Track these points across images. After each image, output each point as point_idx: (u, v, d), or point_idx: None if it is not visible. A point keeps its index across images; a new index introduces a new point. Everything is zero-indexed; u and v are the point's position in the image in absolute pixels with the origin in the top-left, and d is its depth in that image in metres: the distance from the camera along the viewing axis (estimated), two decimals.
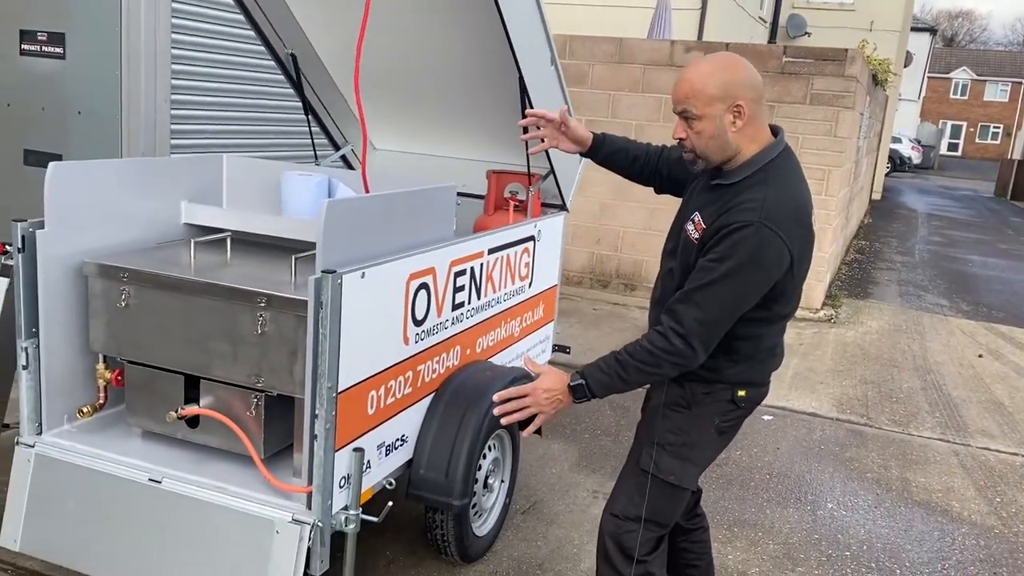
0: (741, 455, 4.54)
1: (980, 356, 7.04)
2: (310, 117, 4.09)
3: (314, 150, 4.16)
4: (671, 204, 2.45)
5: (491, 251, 3.33)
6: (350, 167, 4.45)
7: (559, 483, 4.02)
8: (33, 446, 2.73)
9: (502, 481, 3.41)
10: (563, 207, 4.16)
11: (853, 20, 18.45)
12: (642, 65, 8.22)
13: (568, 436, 4.59)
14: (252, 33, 5.09)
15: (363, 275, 2.47)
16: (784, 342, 2.43)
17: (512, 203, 3.95)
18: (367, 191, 3.15)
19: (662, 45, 8.30)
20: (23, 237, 2.66)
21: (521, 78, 3.39)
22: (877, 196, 21.24)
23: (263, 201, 3.45)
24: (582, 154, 2.76)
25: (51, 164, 2.68)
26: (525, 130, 2.76)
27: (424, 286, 2.84)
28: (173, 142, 4.76)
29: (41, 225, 2.68)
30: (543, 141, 2.74)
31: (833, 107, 7.66)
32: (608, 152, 2.74)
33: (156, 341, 2.71)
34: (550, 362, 4.23)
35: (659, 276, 2.45)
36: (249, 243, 3.17)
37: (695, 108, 2.14)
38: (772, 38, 18.44)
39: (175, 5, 4.63)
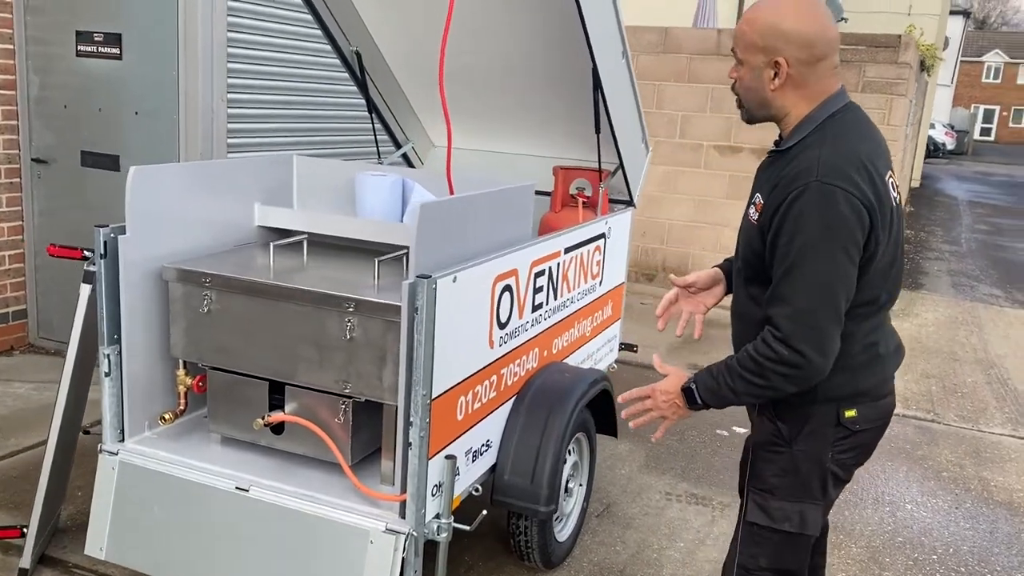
0: None
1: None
2: (373, 116, 4.03)
3: (377, 148, 4.11)
4: (717, 197, 2.31)
5: (567, 250, 3.26)
6: (411, 165, 4.39)
7: (630, 484, 3.94)
8: (116, 454, 2.70)
9: (580, 485, 3.35)
10: (630, 203, 4.08)
11: (891, 5, 18.09)
12: (688, 55, 8.08)
13: (634, 436, 4.51)
14: (307, 31, 5.15)
15: (455, 279, 2.41)
16: (897, 338, 2.10)
17: (580, 200, 3.87)
18: (452, 192, 3.08)
19: (708, 34, 8.16)
20: (105, 243, 2.62)
21: (595, 69, 3.31)
22: (916, 184, 20.90)
23: (334, 202, 3.40)
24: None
25: (132, 169, 2.65)
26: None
27: (508, 288, 2.78)
28: (230, 141, 4.73)
29: (123, 230, 2.64)
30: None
31: (886, 95, 7.49)
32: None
33: (239, 347, 2.66)
34: (618, 361, 4.15)
35: (733, 286, 2.18)
36: (325, 245, 3.12)
37: (739, 50, 1.94)
38: None
39: (231, 3, 4.59)
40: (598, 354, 3.82)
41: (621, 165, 3.80)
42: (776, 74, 1.88)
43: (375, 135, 4.09)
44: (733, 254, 2.23)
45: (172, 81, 4.53)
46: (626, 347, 4.21)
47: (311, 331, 2.55)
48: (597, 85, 3.40)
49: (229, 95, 4.68)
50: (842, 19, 18.29)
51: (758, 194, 1.98)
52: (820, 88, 1.90)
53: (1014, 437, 4.98)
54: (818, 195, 1.78)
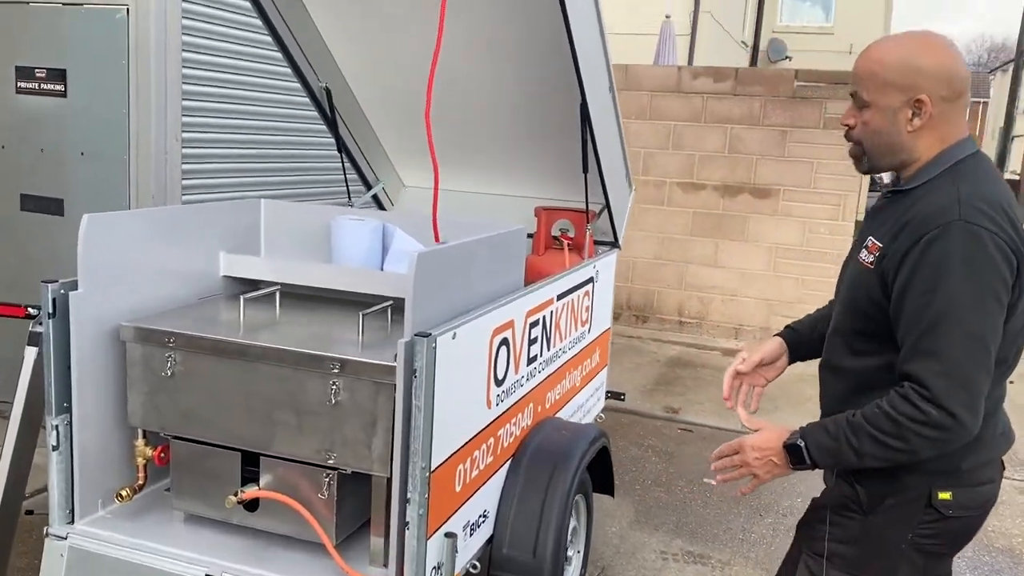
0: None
1: (1011, 382, 6.83)
2: (343, 155, 3.79)
3: (347, 189, 3.87)
4: (681, 234, 2.17)
5: (559, 297, 3.05)
6: (381, 207, 4.15)
7: (623, 544, 3.71)
8: (66, 538, 2.38)
9: (578, 552, 3.11)
10: (615, 244, 3.90)
11: (832, 44, 18.56)
12: (649, 92, 8.02)
13: (618, 489, 4.28)
14: (269, 67, 4.89)
15: (454, 335, 2.17)
16: (1007, 418, 1.84)
17: (565, 242, 3.67)
18: (437, 238, 2.85)
19: (669, 71, 8.12)
20: (54, 300, 2.32)
21: (584, 104, 3.13)
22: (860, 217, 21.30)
23: (306, 248, 3.14)
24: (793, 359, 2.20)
25: (85, 217, 2.36)
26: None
27: (505, 341, 2.55)
28: (185, 183, 4.44)
29: (74, 285, 2.35)
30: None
31: None
32: (805, 341, 2.15)
33: (208, 413, 2.38)
34: (605, 410, 3.94)
35: (827, 338, 1.96)
36: (300, 296, 2.85)
37: (866, 92, 1.76)
38: (753, 62, 18.49)
39: (186, 38, 4.33)
40: (587, 404, 3.61)
41: (607, 205, 3.62)
42: (915, 114, 1.72)
43: (345, 176, 3.85)
44: (829, 305, 2.05)
45: (121, 119, 4.24)
46: (613, 395, 4.01)
47: (290, 395, 2.28)
48: (585, 120, 3.22)
49: (184, 134, 4.40)
50: (786, 57, 18.71)
51: (871, 238, 1.79)
52: (954, 130, 1.76)
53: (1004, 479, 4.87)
54: (962, 236, 1.61)
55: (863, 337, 1.81)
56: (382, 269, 2.96)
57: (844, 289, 1.90)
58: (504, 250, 2.72)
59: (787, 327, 2.22)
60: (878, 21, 18.98)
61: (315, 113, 3.90)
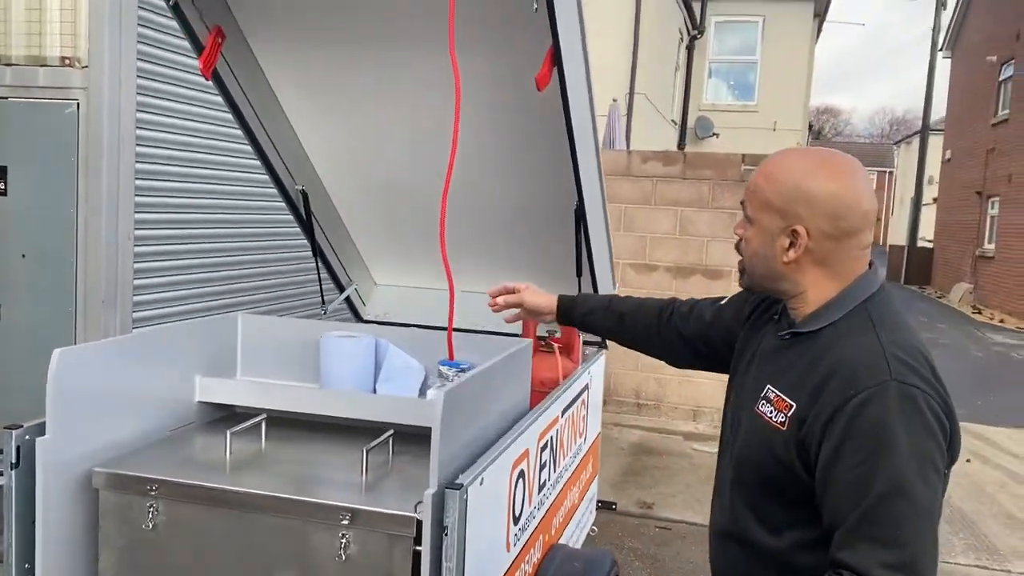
0: None
1: (968, 461, 6.90)
2: (317, 259, 3.58)
3: (321, 294, 3.65)
4: None
5: (563, 411, 2.88)
6: (352, 308, 3.93)
7: None
8: None
9: None
10: (602, 344, 3.76)
11: (757, 121, 19.21)
12: None
13: None
14: (226, 160, 4.69)
15: (481, 481, 1.97)
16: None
17: (556, 345, 3.51)
18: (452, 356, 2.65)
19: (619, 155, 8.17)
20: (18, 448, 2.04)
21: (581, 205, 3.01)
22: None
23: (287, 367, 2.91)
24: (560, 321, 2.36)
25: (56, 352, 2.10)
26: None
27: (522, 474, 2.35)
28: (137, 283, 4.15)
29: (41, 430, 2.07)
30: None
31: None
32: (584, 312, 2.31)
33: (195, 573, 2.10)
34: (595, 524, 3.73)
35: (715, 490, 1.76)
36: (287, 424, 2.61)
37: (750, 207, 1.61)
38: (682, 140, 18.97)
39: (140, 132, 4.10)
40: (583, 520, 3.41)
41: None
42: (792, 244, 1.54)
43: (320, 280, 3.64)
44: (718, 456, 1.79)
45: (69, 219, 3.96)
46: (604, 505, 3.82)
47: (292, 550, 2.03)
48: (580, 221, 3.10)
49: (137, 231, 4.13)
50: (713, 135, 19.28)
51: (773, 389, 1.57)
52: (849, 267, 1.56)
53: (982, 568, 4.83)
54: (899, 400, 1.39)
55: (775, 506, 1.56)
56: (374, 389, 2.74)
57: (742, 444, 1.64)
58: (515, 367, 2.54)
59: (582, 293, 2.47)
60: (798, 99, 19.76)
61: (277, 208, 3.70)
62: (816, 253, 1.54)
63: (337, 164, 3.48)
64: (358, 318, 3.96)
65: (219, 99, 4.57)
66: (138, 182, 4.11)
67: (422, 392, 2.73)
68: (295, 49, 3.01)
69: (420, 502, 1.86)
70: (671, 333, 2.09)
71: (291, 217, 3.38)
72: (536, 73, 2.45)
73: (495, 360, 2.32)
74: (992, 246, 20.43)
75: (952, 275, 23.88)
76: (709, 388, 7.82)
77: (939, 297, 23.21)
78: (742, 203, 1.64)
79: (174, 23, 4.17)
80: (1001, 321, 17.29)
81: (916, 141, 45.10)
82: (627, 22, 13.68)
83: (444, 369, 2.59)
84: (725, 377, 1.88)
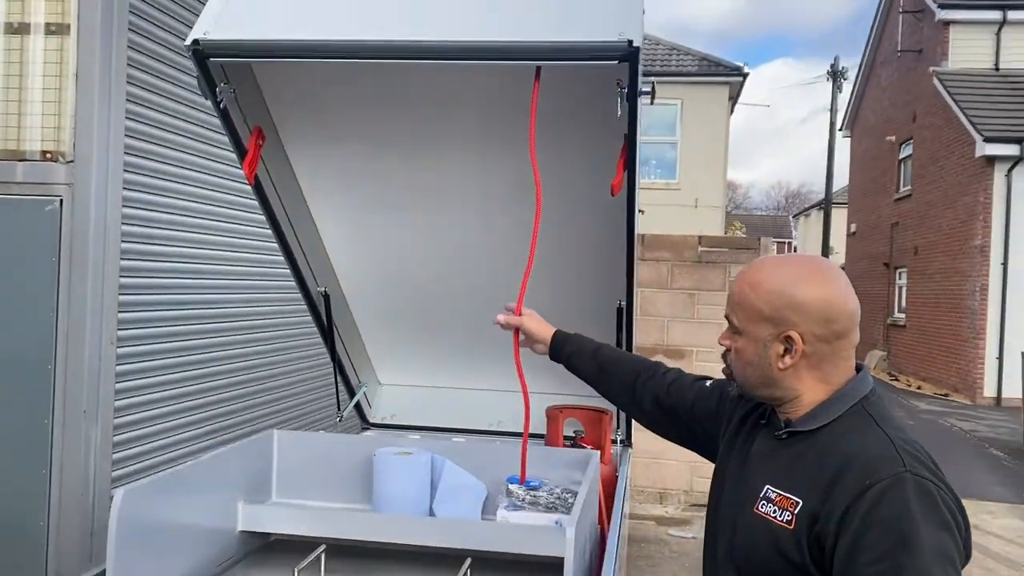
0: None
1: None
2: (335, 366, 3.38)
3: (337, 400, 3.45)
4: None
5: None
6: (360, 412, 3.73)
7: None
8: None
9: None
10: (627, 442, 3.66)
11: (680, 198, 19.80)
12: None
13: None
14: (216, 254, 4.49)
15: None
16: None
17: (586, 446, 3.39)
18: (523, 479, 2.49)
19: None
20: None
21: (630, 304, 2.95)
22: None
23: (325, 486, 2.70)
24: (551, 355, 2.37)
25: (119, 492, 1.88)
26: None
27: None
28: (119, 386, 3.85)
29: None
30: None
31: None
32: (571, 352, 2.31)
33: None
34: None
35: None
36: (345, 553, 2.39)
37: (736, 318, 1.62)
38: None
39: (127, 227, 3.86)
40: None
41: None
42: (787, 351, 1.57)
43: (336, 384, 3.44)
44: (704, 559, 1.76)
45: (47, 324, 3.65)
46: None
47: None
48: (621, 320, 3.03)
49: (119, 331, 3.85)
50: (639, 211, 19.75)
51: (773, 488, 1.54)
52: (839, 369, 1.58)
53: None
54: (917, 493, 1.38)
55: None
56: (431, 509, 2.56)
57: (745, 546, 1.58)
58: (596, 484, 2.42)
59: (577, 335, 2.34)
60: (717, 176, 20.50)
61: (272, 309, 3.50)
62: (811, 357, 1.57)
63: (354, 263, 3.34)
64: (364, 421, 3.76)
65: (210, 193, 4.48)
66: (123, 280, 3.85)
67: (485, 512, 2.57)
68: (326, 150, 2.91)
69: None
70: (647, 396, 2.09)
71: (282, 317, 3.22)
72: (611, 179, 2.41)
73: (590, 482, 2.19)
74: (902, 315, 21.36)
75: (864, 343, 24.79)
76: (675, 470, 7.77)
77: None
78: (726, 315, 1.67)
79: (163, 116, 4.06)
80: (919, 388, 17.95)
81: (814, 213, 47.59)
82: None
83: (514, 488, 2.44)
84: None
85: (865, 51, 25.55)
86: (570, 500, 2.41)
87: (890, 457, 1.43)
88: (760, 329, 1.57)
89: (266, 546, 2.45)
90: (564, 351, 2.30)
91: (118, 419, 3.87)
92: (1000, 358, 15.57)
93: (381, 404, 3.86)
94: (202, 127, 4.38)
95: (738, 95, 20.95)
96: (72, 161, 3.66)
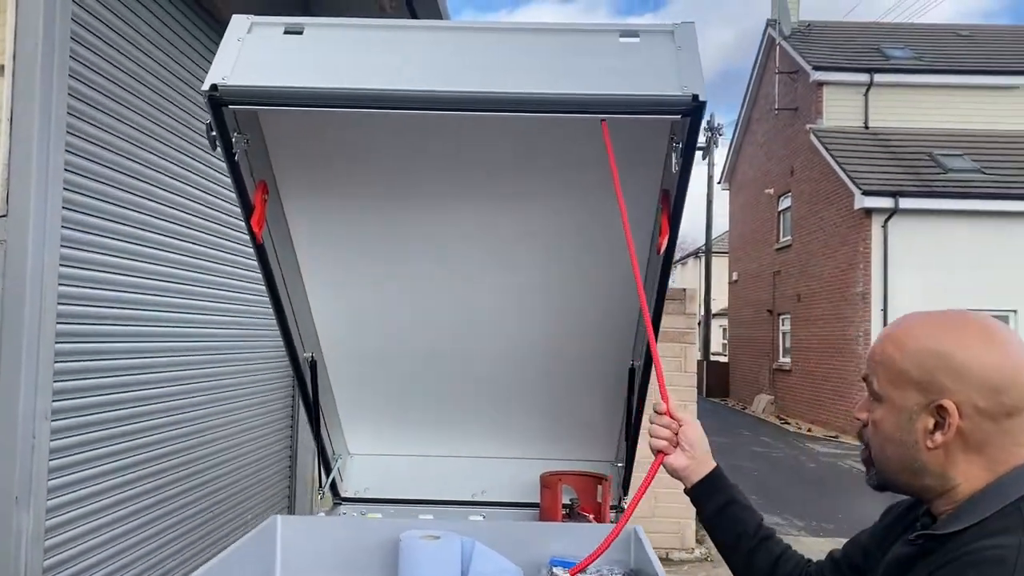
0: None
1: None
2: (317, 429, 3.11)
3: (319, 473, 3.16)
4: None
5: None
6: (333, 487, 3.43)
7: None
8: None
9: None
10: (617, 507, 3.51)
11: None
12: None
13: None
14: (168, 301, 4.13)
15: None
16: None
17: (587, 515, 3.22)
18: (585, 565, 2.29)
19: None
20: None
21: (648, 366, 2.83)
22: None
23: (334, 573, 2.43)
24: (692, 491, 1.74)
25: None
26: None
27: None
28: (53, 463, 3.42)
29: None
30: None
31: (680, 343, 7.85)
32: (723, 504, 1.71)
33: None
34: None
35: None
36: None
37: (875, 379, 1.35)
38: None
39: (63, 287, 3.47)
40: None
41: (627, 464, 3.27)
42: (939, 425, 1.27)
43: (320, 455, 3.15)
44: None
45: None
46: None
47: None
48: (633, 384, 2.92)
49: (55, 402, 3.44)
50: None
51: None
52: (1008, 454, 1.26)
53: None
54: (985, 563, 1.17)
55: None
56: None
57: None
58: None
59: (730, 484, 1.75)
60: None
61: (221, 374, 3.18)
62: (970, 437, 1.25)
63: (337, 329, 3.10)
64: (336, 496, 3.47)
65: (157, 252, 4.13)
66: (59, 346, 3.46)
67: None
68: (324, 203, 2.69)
69: None
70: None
71: (233, 389, 2.93)
72: (657, 240, 2.31)
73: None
74: (787, 360, 22.22)
75: (751, 387, 25.66)
76: (669, 527, 7.55)
77: (743, 408, 24.76)
78: (864, 378, 1.39)
79: (100, 167, 3.71)
80: (809, 430, 18.62)
81: (691, 261, 49.37)
82: None
83: (559, 572, 2.25)
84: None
85: (741, 108, 26.90)
86: None
87: (1000, 547, 1.16)
88: (905, 397, 1.29)
89: None
90: (716, 498, 1.71)
91: (51, 501, 3.44)
92: None
93: (352, 476, 3.58)
94: (146, 182, 4.06)
95: None
96: (5, 215, 3.28)
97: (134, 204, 3.98)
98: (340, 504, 3.43)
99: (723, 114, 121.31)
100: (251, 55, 2.11)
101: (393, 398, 3.40)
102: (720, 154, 30.49)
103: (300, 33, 2.20)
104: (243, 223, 2.36)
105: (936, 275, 16.11)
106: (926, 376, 1.27)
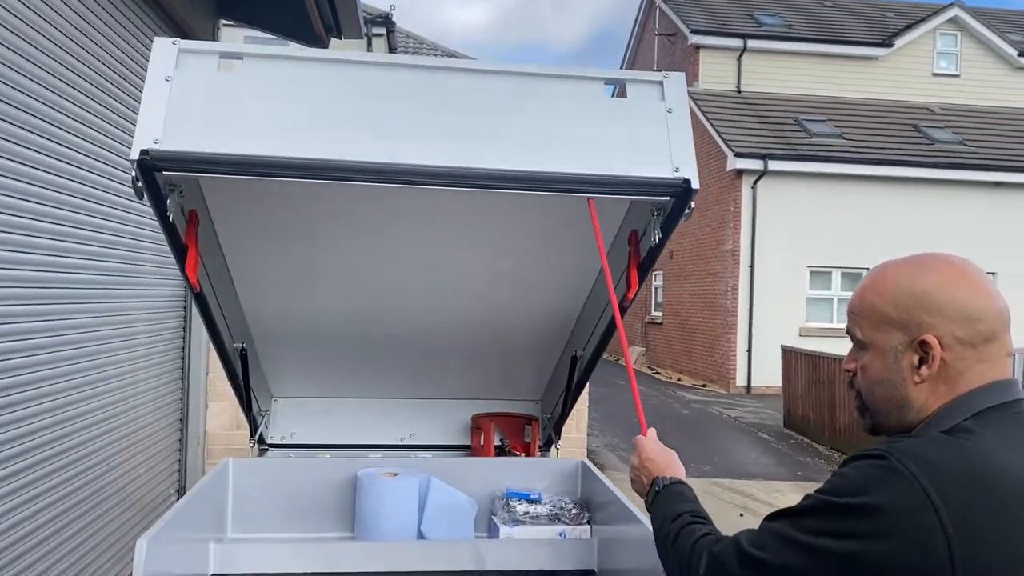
0: None
1: (741, 515, 7.62)
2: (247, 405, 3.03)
3: (251, 424, 3.10)
4: None
5: None
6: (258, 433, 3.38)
7: None
8: None
9: None
10: (549, 448, 3.63)
11: None
12: None
13: None
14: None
15: None
16: None
17: (519, 453, 3.32)
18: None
19: None
20: None
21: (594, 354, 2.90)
22: None
23: (288, 513, 2.43)
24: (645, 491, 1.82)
25: (142, 541, 1.57)
26: None
27: None
28: None
29: None
30: None
31: None
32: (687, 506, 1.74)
33: None
34: None
35: None
36: None
37: (858, 329, 1.40)
38: None
39: None
40: None
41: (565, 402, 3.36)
42: (923, 360, 1.32)
43: (249, 410, 3.08)
44: None
45: None
46: None
47: None
48: (574, 370, 2.98)
49: None
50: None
51: None
52: (983, 379, 1.31)
53: None
54: (878, 472, 1.23)
55: None
56: (419, 529, 2.38)
57: None
58: None
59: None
60: None
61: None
62: (952, 366, 1.30)
63: (267, 316, 3.01)
64: (261, 442, 3.42)
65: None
66: None
67: (477, 529, 2.43)
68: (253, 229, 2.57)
69: None
70: None
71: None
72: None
73: (615, 491, 2.14)
74: (659, 313, 23.10)
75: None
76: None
77: (616, 360, 25.60)
78: (848, 332, 1.44)
79: None
80: (679, 380, 19.51)
81: None
82: None
83: (514, 503, 2.33)
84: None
85: (621, 68, 27.37)
86: (573, 511, 2.35)
87: (887, 445, 1.25)
88: (889, 338, 1.34)
89: None
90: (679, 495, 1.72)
91: None
92: (749, 351, 17.31)
93: (277, 422, 3.54)
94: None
95: None
96: None
97: None
98: (267, 451, 3.39)
99: None
100: (183, 104, 1.90)
101: (319, 342, 3.36)
102: None
103: (240, 58, 2.01)
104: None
105: (800, 235, 17.09)
106: (906, 315, 1.33)
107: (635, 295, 2.34)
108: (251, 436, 3.10)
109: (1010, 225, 17.43)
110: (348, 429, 3.48)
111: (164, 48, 1.95)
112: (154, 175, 1.88)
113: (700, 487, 8.52)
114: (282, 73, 2.01)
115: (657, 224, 2.13)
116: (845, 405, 10.39)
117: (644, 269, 2.32)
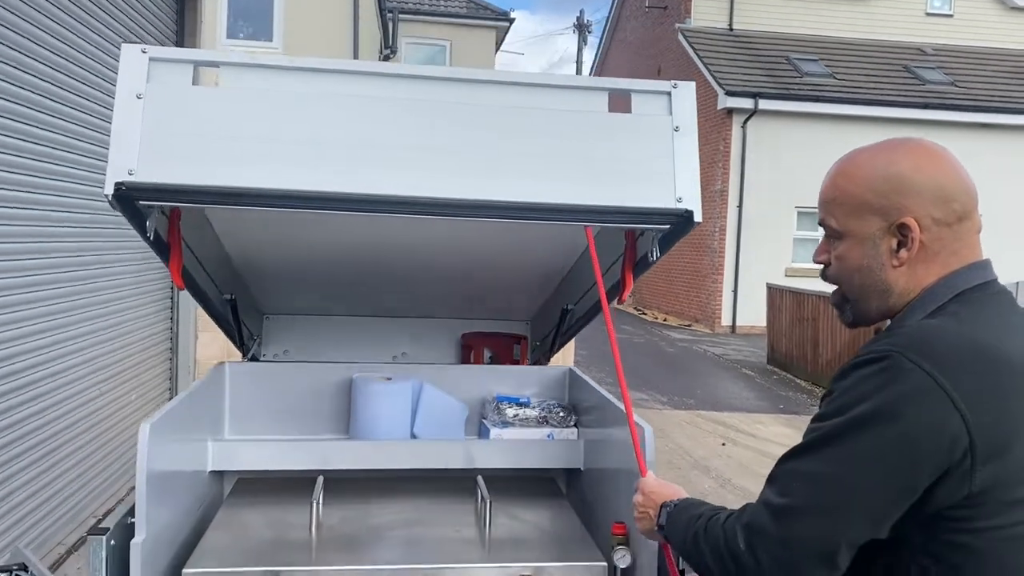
0: None
1: (723, 444, 7.80)
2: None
3: (241, 342, 3.12)
4: None
5: None
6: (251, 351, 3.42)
7: None
8: None
9: None
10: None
11: None
12: None
13: None
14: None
15: None
16: None
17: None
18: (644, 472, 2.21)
19: None
20: (106, 557, 1.54)
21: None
22: None
23: (284, 415, 2.48)
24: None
25: (145, 424, 1.62)
26: None
27: None
28: None
29: (130, 531, 1.58)
30: None
31: None
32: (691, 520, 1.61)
33: None
34: None
35: None
36: (341, 481, 2.22)
37: (832, 218, 1.38)
38: None
39: None
40: None
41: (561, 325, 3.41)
42: (902, 243, 1.32)
43: (240, 336, 3.10)
44: None
45: None
46: None
47: None
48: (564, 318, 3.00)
49: None
50: None
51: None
52: (959, 257, 1.33)
53: None
54: (887, 374, 1.23)
55: None
56: (412, 431, 2.45)
57: None
58: None
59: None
60: None
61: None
62: (930, 247, 1.32)
63: (256, 264, 2.99)
64: (255, 360, 3.46)
65: None
66: None
67: (467, 432, 2.50)
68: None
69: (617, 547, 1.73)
70: None
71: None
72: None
73: (601, 393, 2.21)
74: None
75: None
76: None
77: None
78: (821, 222, 1.42)
79: None
80: (665, 320, 19.68)
81: None
82: (347, 39, 13.48)
83: (504, 406, 2.40)
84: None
85: (612, 5, 26.96)
86: (560, 414, 2.42)
87: (888, 340, 1.25)
88: (867, 224, 1.33)
89: (246, 484, 2.23)
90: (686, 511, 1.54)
91: None
92: (735, 291, 17.45)
93: (269, 339, 3.58)
94: None
95: (502, 41, 21.35)
96: None
97: None
98: None
99: (592, 11, 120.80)
100: (157, 127, 1.80)
101: (310, 265, 3.37)
102: (588, 54, 30.66)
103: (216, 67, 1.91)
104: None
105: (789, 174, 17.08)
106: (883, 200, 1.31)
107: (627, 295, 2.35)
108: (243, 357, 3.14)
109: (1000, 166, 17.49)
110: (340, 347, 3.51)
111: (133, 57, 1.82)
112: (132, 203, 1.81)
113: (683, 418, 8.70)
114: (262, 85, 1.91)
115: (655, 243, 2.11)
116: (828, 341, 10.54)
117: (638, 271, 2.33)
